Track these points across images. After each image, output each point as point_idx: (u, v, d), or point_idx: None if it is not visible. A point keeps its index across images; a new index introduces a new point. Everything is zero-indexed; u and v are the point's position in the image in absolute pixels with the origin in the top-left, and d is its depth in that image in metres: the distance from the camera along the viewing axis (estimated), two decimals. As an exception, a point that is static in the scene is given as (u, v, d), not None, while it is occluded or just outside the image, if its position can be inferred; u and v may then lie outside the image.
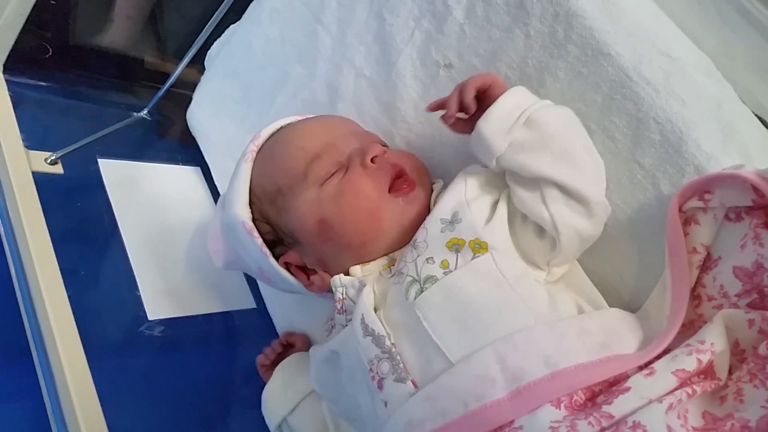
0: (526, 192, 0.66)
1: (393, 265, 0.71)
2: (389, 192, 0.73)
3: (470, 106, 0.68)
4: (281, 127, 0.85)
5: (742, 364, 0.56)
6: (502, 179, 0.72)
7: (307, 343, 0.96)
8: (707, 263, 0.63)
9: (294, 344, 0.96)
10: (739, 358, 0.58)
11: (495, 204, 0.70)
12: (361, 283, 0.70)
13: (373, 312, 0.65)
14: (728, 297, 0.60)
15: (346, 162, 0.75)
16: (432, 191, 0.77)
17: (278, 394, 0.87)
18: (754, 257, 0.58)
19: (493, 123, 0.66)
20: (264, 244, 0.78)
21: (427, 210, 0.73)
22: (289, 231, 0.77)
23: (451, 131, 0.72)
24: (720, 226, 0.62)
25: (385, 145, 0.81)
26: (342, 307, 0.71)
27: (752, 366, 0.54)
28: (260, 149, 0.82)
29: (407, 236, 0.71)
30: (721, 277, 0.61)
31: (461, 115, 0.70)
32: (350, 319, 0.70)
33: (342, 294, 0.71)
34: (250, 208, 0.79)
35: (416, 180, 0.75)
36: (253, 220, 0.78)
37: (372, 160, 0.73)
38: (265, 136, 0.83)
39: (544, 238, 0.66)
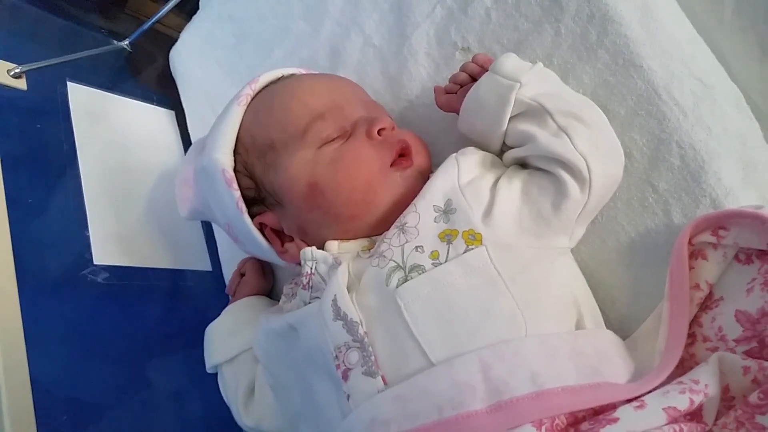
0: (550, 135, 0.62)
1: (372, 247, 0.66)
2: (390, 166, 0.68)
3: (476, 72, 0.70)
4: (283, 76, 0.79)
5: (729, 411, 0.54)
6: (497, 159, 0.69)
7: (257, 276, 0.93)
8: (708, 302, 0.60)
9: (244, 273, 0.93)
10: (726, 405, 0.55)
11: (494, 184, 0.64)
12: (335, 261, 0.64)
13: (347, 294, 0.60)
14: (725, 340, 0.57)
15: (350, 129, 0.70)
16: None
17: (221, 339, 0.84)
18: (761, 304, 0.55)
19: (512, 60, 0.66)
20: (241, 199, 0.72)
21: None
22: (273, 190, 0.71)
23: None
24: (728, 266, 0.59)
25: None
26: (308, 283, 0.66)
27: (740, 414, 0.52)
28: (257, 95, 0.76)
29: (395, 218, 0.65)
30: (721, 319, 0.58)
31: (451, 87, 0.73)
32: (315, 297, 0.65)
33: (311, 269, 0.66)
34: (234, 157, 0.73)
35: (420, 162, 0.71)
36: (235, 171, 0.73)
37: (379, 132, 0.69)
38: (264, 82, 0.78)
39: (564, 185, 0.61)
